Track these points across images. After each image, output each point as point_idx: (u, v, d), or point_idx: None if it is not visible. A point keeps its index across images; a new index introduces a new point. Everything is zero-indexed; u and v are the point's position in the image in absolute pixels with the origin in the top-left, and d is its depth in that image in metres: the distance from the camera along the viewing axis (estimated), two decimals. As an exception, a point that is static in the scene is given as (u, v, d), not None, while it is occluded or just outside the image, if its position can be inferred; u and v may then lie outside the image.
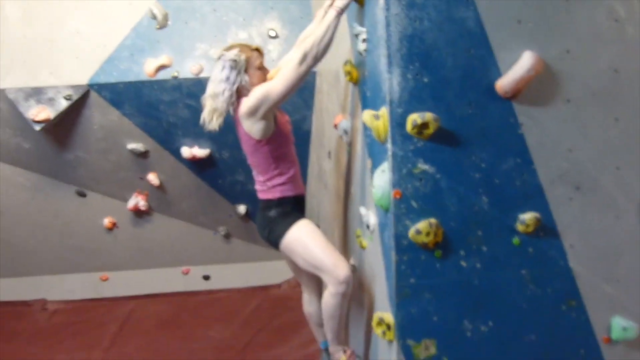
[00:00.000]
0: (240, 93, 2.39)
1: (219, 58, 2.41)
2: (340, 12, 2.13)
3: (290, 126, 2.58)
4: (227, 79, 2.35)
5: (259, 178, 2.52)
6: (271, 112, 2.33)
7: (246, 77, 2.37)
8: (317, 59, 2.18)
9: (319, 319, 2.66)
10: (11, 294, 4.59)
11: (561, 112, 1.96)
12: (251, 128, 2.37)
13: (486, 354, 2.04)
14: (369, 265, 2.32)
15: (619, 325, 2.07)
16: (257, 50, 2.46)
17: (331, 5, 2.16)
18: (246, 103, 2.33)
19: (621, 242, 2.06)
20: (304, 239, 2.36)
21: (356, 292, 2.49)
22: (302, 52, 2.17)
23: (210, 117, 2.40)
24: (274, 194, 2.46)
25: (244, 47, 2.43)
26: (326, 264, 2.27)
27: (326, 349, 2.61)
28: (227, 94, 2.36)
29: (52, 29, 3.73)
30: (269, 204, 2.47)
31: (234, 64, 2.36)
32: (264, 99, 2.27)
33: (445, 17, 1.86)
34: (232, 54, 2.37)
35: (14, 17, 3.72)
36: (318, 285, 2.75)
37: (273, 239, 2.46)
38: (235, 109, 2.39)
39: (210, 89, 2.41)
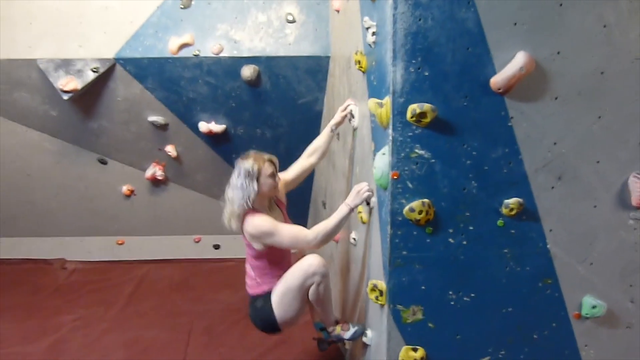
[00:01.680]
0: (251, 200, 2.61)
1: (236, 164, 2.65)
2: (351, 210, 2.45)
3: None
4: (241, 185, 2.58)
5: (251, 273, 2.78)
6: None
7: (256, 185, 2.59)
8: (324, 242, 2.52)
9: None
10: (34, 252, 4.87)
11: (549, 108, 2.15)
12: (251, 239, 2.64)
13: (467, 321, 2.29)
14: (367, 239, 2.55)
15: (589, 303, 2.30)
16: (270, 160, 2.68)
17: (334, 127, 2.67)
18: (251, 224, 2.58)
19: (597, 228, 2.27)
20: (279, 295, 2.66)
21: (356, 263, 2.73)
22: (315, 233, 2.49)
23: (229, 220, 2.65)
24: (263, 289, 2.74)
25: (258, 157, 2.64)
26: (300, 282, 2.58)
27: (322, 330, 2.88)
28: (241, 202, 2.58)
29: (83, 3, 3.89)
30: (257, 297, 2.76)
31: (247, 173, 2.58)
32: (266, 235, 2.56)
33: (448, 17, 2.03)
34: (247, 163, 2.60)
35: (47, -9, 3.92)
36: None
37: (269, 322, 2.74)
38: (244, 215, 2.62)
39: (228, 193, 2.65)
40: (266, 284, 2.73)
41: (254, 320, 2.83)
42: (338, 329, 2.74)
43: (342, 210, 2.47)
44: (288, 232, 2.56)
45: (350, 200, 2.46)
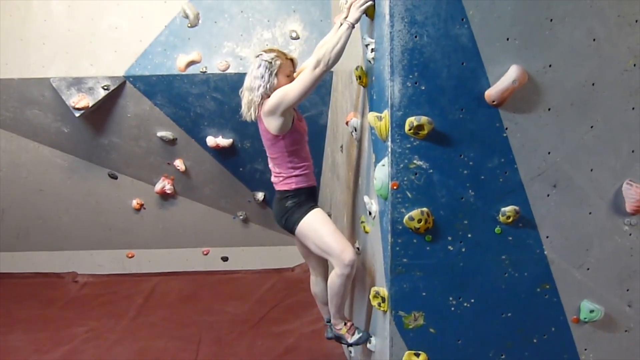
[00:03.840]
0: (270, 91, 2.64)
1: (258, 56, 2.69)
2: (352, 25, 2.40)
3: (305, 126, 2.84)
4: (262, 77, 2.62)
5: (275, 170, 2.79)
6: (289, 111, 2.61)
7: (275, 80, 2.63)
8: (329, 65, 2.45)
9: (324, 297, 2.99)
10: (45, 266, 4.98)
11: (542, 119, 2.23)
12: (270, 124, 2.65)
13: (468, 326, 2.35)
14: (370, 247, 2.63)
15: (587, 307, 2.36)
16: (292, 60, 2.73)
17: (345, 18, 2.44)
18: (268, 102, 2.61)
19: (592, 234, 2.34)
20: (316, 225, 2.65)
21: (360, 272, 2.81)
22: (316, 59, 2.45)
23: (248, 108, 2.68)
24: (290, 185, 2.73)
25: (281, 54, 2.69)
26: (334, 249, 2.56)
27: (329, 322, 2.92)
28: (261, 90, 2.62)
29: (94, 24, 4.05)
30: (286, 194, 2.75)
31: (269, 66, 2.63)
32: (283, 99, 2.55)
33: (442, 33, 2.13)
34: (269, 56, 2.65)
35: (59, 12, 4.05)
36: (324, 268, 3.07)
37: (289, 226, 2.74)
38: (259, 107, 2.67)
39: (247, 82, 2.68)
40: (292, 179, 2.72)
41: (277, 215, 2.81)
42: (344, 330, 2.75)
43: (344, 28, 2.38)
44: (296, 81, 2.53)
45: (351, 16, 2.36)
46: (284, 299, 4.47)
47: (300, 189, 2.73)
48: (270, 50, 2.71)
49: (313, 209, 2.71)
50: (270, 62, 2.64)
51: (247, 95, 2.68)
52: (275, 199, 2.84)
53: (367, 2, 2.33)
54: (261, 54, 2.69)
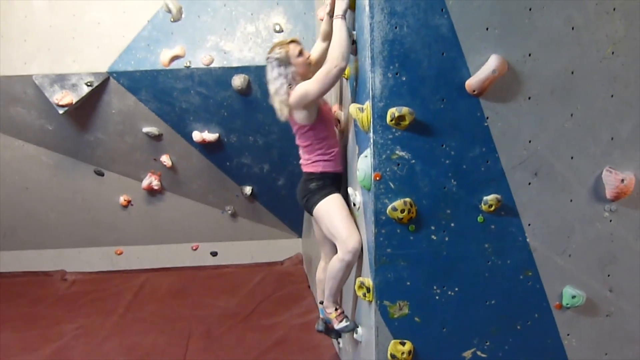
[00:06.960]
0: (291, 82, 2.69)
1: (267, 60, 2.73)
2: (343, 16, 2.43)
3: (332, 113, 2.88)
4: (279, 75, 2.67)
5: (304, 157, 2.83)
6: (312, 104, 2.64)
7: (292, 68, 2.67)
8: (341, 63, 2.44)
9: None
10: (34, 264, 4.96)
11: (522, 108, 2.25)
12: (296, 115, 2.69)
13: (452, 314, 2.38)
14: (355, 239, 2.63)
15: (569, 293, 2.39)
16: (293, 41, 2.75)
17: (330, 13, 2.51)
18: (292, 96, 2.65)
19: (573, 221, 2.37)
20: (331, 209, 2.68)
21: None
22: (332, 58, 2.46)
23: (281, 110, 2.71)
24: (317, 168, 2.76)
25: (281, 43, 2.74)
26: (341, 234, 2.57)
27: (321, 303, 2.94)
28: (284, 87, 2.67)
29: (76, 19, 4.00)
30: (311, 176, 2.77)
31: (279, 61, 2.67)
32: (304, 96, 2.59)
33: (422, 24, 2.14)
34: (274, 53, 2.69)
35: (41, 8, 3.99)
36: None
37: (309, 206, 2.78)
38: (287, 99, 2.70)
39: (271, 88, 2.73)
40: (320, 163, 2.76)
41: (299, 194, 2.86)
42: (334, 315, 2.78)
43: (337, 24, 2.43)
44: (315, 77, 2.57)
45: (337, 9, 2.44)
46: (273, 292, 4.49)
47: (326, 173, 2.76)
48: (272, 49, 2.74)
49: (333, 193, 2.74)
50: (278, 57, 2.67)
51: (277, 99, 2.72)
52: (301, 180, 2.87)
53: None
54: (268, 57, 2.73)
